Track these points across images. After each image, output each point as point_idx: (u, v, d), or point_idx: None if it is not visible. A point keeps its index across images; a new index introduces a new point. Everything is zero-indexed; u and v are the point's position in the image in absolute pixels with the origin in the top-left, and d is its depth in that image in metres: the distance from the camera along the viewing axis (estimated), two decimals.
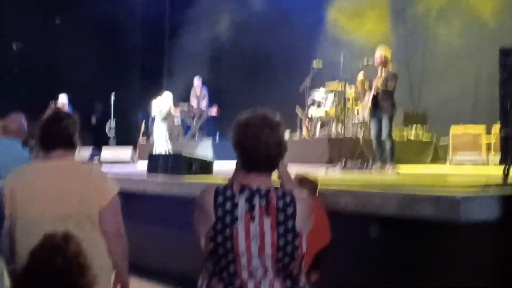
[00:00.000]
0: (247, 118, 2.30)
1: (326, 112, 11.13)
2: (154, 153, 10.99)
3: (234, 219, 2.21)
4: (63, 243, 2.06)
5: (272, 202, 2.24)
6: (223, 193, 2.25)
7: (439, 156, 10.90)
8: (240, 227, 2.20)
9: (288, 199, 2.26)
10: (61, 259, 2.01)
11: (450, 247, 4.33)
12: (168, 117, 12.07)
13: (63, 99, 13.76)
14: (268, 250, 2.19)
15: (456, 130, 10.40)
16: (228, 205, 2.22)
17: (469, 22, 11.69)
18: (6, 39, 15.55)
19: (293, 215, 2.23)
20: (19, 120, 4.88)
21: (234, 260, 2.20)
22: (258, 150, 2.24)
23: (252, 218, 2.21)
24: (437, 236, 4.38)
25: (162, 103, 11.89)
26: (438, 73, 12.26)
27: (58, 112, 3.16)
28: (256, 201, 2.23)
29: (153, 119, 12.41)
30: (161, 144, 11.60)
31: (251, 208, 2.22)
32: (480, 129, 10.19)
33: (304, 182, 4.43)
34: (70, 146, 3.06)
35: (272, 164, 2.31)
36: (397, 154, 8.89)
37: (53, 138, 3.01)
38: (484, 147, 9.97)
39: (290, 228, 2.21)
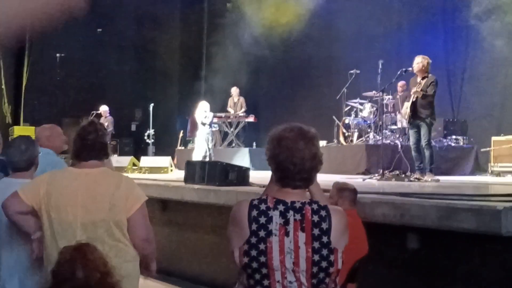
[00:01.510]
0: (282, 131, 2.28)
1: (364, 119, 11.03)
2: (194, 159, 11.16)
3: (269, 233, 2.19)
4: (80, 255, 2.07)
5: (307, 216, 2.21)
6: (257, 207, 2.24)
7: (479, 166, 10.66)
8: (275, 241, 2.18)
9: (323, 213, 2.23)
10: (82, 271, 2.01)
11: (490, 260, 4.23)
12: (209, 124, 12.24)
13: (104, 108, 14.07)
14: (303, 265, 2.17)
15: (498, 139, 10.17)
16: (263, 219, 2.21)
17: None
18: (50, 48, 15.94)
19: (328, 230, 2.20)
20: (51, 129, 4.69)
21: (268, 274, 2.18)
22: (293, 164, 2.22)
23: (287, 233, 2.19)
24: (478, 248, 4.28)
25: (203, 111, 12.09)
26: (480, 81, 11.99)
27: (93, 123, 3.22)
28: (291, 215, 2.21)
29: (192, 128, 12.58)
30: (202, 151, 11.76)
31: (285, 223, 2.20)
32: None
33: (344, 190, 4.42)
34: (103, 155, 3.15)
35: (307, 178, 2.27)
36: (436, 163, 8.74)
37: (88, 148, 3.09)
38: None
39: (325, 243, 2.19)
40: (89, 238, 2.91)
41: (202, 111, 12.13)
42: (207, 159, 11.46)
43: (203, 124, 12.06)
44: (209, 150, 11.91)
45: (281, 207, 2.23)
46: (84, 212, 2.95)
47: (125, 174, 3.20)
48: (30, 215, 3.07)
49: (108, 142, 3.26)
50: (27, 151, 3.54)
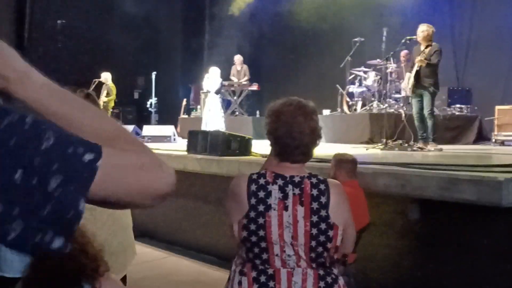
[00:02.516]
0: (280, 105, 2.27)
1: (368, 88, 10.97)
2: (205, 128, 11.18)
3: (268, 208, 2.20)
4: None
5: (306, 190, 2.22)
6: (256, 181, 2.24)
7: (483, 135, 10.63)
8: (273, 215, 2.19)
9: (322, 187, 2.24)
10: None
11: (491, 231, 4.25)
12: (219, 92, 12.23)
13: (106, 75, 14.01)
14: (301, 238, 2.19)
15: (502, 108, 10.13)
16: (262, 193, 2.22)
17: None
18: (50, 15, 15.81)
19: (327, 204, 2.22)
20: None
21: (267, 248, 2.20)
22: (292, 138, 2.22)
23: (286, 207, 2.20)
24: (478, 218, 4.30)
25: (212, 78, 12.04)
26: (485, 50, 11.87)
27: (88, 96, 3.20)
28: (290, 189, 2.22)
29: (196, 96, 12.52)
30: (215, 119, 11.76)
31: (284, 197, 2.21)
32: None
33: (342, 162, 4.41)
34: None
35: (305, 153, 2.28)
36: (440, 132, 8.72)
37: None
38: None
39: (323, 217, 2.20)
40: (87, 209, 2.95)
41: (216, 77, 12.08)
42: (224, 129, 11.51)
43: (217, 92, 12.03)
44: (222, 120, 11.93)
45: (280, 182, 2.23)
46: None
47: None
48: None
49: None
50: None
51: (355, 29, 12.15)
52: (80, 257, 2.02)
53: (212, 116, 11.89)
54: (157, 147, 8.70)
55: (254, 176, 2.26)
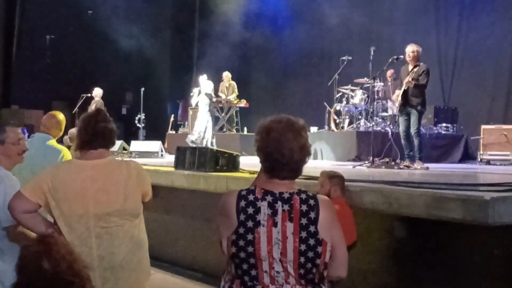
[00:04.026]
0: (270, 122, 2.28)
1: (355, 106, 11.05)
2: (193, 140, 11.20)
3: (257, 224, 2.20)
4: (44, 246, 2.04)
5: (295, 206, 2.23)
6: (245, 197, 2.25)
7: (469, 154, 10.72)
8: (262, 231, 2.19)
9: (312, 203, 2.25)
10: (48, 262, 1.99)
11: (477, 249, 4.27)
12: (211, 105, 12.24)
13: (97, 91, 13.97)
14: (290, 255, 2.18)
15: (487, 128, 10.24)
16: (251, 209, 2.22)
17: (504, 19, 11.45)
18: (40, 30, 15.80)
19: (316, 220, 2.22)
20: (55, 117, 4.91)
21: (256, 264, 2.19)
22: (281, 155, 2.22)
23: (275, 223, 2.20)
24: (464, 237, 4.32)
25: (204, 89, 12.08)
26: (471, 70, 12.03)
27: (101, 111, 3.22)
28: (279, 206, 2.22)
29: (184, 112, 12.55)
30: (202, 132, 11.79)
31: (273, 213, 2.21)
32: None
33: (335, 177, 4.44)
34: (112, 144, 3.15)
35: (295, 169, 2.28)
36: (426, 150, 8.78)
37: (98, 137, 3.06)
38: None
39: (312, 233, 2.20)
40: (102, 228, 2.94)
41: (210, 85, 12.13)
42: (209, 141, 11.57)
43: (209, 96, 12.09)
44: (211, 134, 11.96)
45: (269, 198, 2.24)
46: (96, 204, 2.96)
47: (131, 162, 3.22)
48: (37, 213, 3.02)
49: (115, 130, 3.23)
50: None
51: (343, 48, 12.26)
52: (68, 275, 2.01)
53: (199, 129, 11.87)
54: (144, 163, 8.67)
55: (244, 193, 2.27)
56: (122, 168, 3.07)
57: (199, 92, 12.44)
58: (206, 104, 12.18)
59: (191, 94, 12.49)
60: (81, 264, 2.08)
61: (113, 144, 3.17)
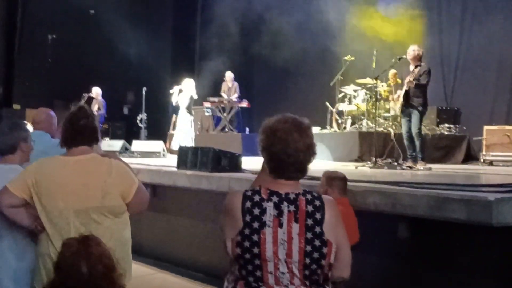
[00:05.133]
0: (275, 122, 2.26)
1: (357, 106, 11.03)
2: (182, 144, 11.04)
3: (262, 225, 2.18)
4: (84, 248, 2.04)
5: (301, 206, 2.21)
6: (251, 198, 2.23)
7: (471, 155, 10.70)
8: (268, 232, 2.18)
9: (317, 203, 2.24)
10: (86, 265, 1.99)
11: (481, 250, 4.25)
12: (191, 105, 11.97)
13: (96, 90, 13.99)
14: (295, 256, 2.17)
15: (490, 128, 10.22)
16: (256, 210, 2.20)
17: (507, 20, 11.42)
18: (41, 30, 15.79)
19: (321, 220, 2.20)
20: (46, 113, 4.94)
21: (261, 265, 2.18)
22: (287, 155, 2.21)
23: (280, 224, 2.19)
24: (468, 238, 4.30)
25: (186, 91, 11.78)
26: (473, 70, 12.00)
27: (83, 108, 3.21)
28: (285, 206, 2.21)
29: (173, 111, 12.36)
30: (184, 136, 11.56)
31: (279, 214, 2.20)
32: None
33: (333, 179, 4.41)
34: (93, 141, 3.15)
35: (301, 169, 2.26)
36: (429, 151, 8.76)
37: (78, 134, 3.09)
38: None
39: (317, 234, 2.19)
40: (82, 224, 2.94)
41: (190, 91, 11.82)
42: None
43: (188, 109, 11.79)
44: (191, 137, 11.75)
45: (275, 199, 2.22)
46: (76, 199, 2.97)
47: (114, 160, 3.19)
48: (23, 207, 3.05)
49: (99, 126, 3.26)
50: (10, 134, 3.50)
51: (346, 48, 12.23)
52: (103, 281, 2.00)
53: (182, 136, 11.63)
54: (146, 163, 8.67)
55: (249, 193, 2.25)
56: (103, 165, 3.06)
57: (180, 91, 12.18)
58: (186, 106, 11.91)
59: (171, 91, 12.26)
60: (118, 272, 2.07)
61: (96, 141, 3.16)
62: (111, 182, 3.00)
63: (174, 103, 12.20)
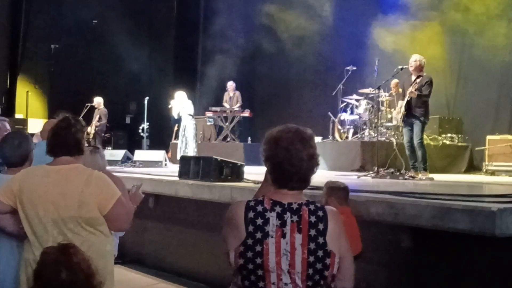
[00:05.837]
0: (279, 132, 2.25)
1: (359, 116, 11.02)
2: (182, 154, 11.01)
3: (265, 235, 2.18)
4: (64, 256, 2.04)
5: (304, 217, 2.20)
6: (254, 208, 2.22)
7: (474, 165, 10.67)
8: (271, 242, 2.17)
9: (320, 214, 2.22)
10: (66, 272, 1.99)
11: (484, 260, 4.23)
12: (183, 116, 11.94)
13: (98, 100, 14.02)
14: (298, 266, 2.16)
15: (493, 138, 10.19)
16: (259, 221, 2.19)
17: (510, 29, 11.43)
18: (44, 40, 15.86)
19: (324, 231, 2.19)
20: (49, 123, 5.00)
21: (264, 276, 2.16)
22: (291, 165, 2.20)
23: (283, 234, 2.18)
24: (471, 248, 4.28)
25: (181, 102, 11.76)
26: (476, 80, 11.99)
27: (67, 119, 3.19)
28: (288, 217, 2.20)
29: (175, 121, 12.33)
30: (190, 147, 11.58)
31: (282, 224, 2.19)
32: None
33: (334, 189, 4.40)
34: (77, 152, 3.14)
35: (304, 179, 2.26)
36: (431, 161, 8.73)
37: (60, 144, 3.09)
38: None
39: (321, 244, 2.18)
40: (60, 233, 2.93)
41: (185, 100, 11.79)
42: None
43: (191, 115, 11.83)
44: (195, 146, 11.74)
45: (278, 209, 2.21)
46: (54, 208, 2.96)
47: (97, 171, 3.18)
48: (10, 214, 3.08)
49: (84, 138, 3.20)
50: (20, 146, 3.56)
51: (348, 57, 12.25)
52: (85, 285, 1.99)
53: (187, 143, 11.62)
54: (148, 172, 8.66)
55: (252, 203, 2.24)
56: (83, 175, 3.03)
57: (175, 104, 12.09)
58: (192, 126, 11.87)
59: (169, 106, 12.25)
60: (98, 280, 2.07)
61: (80, 152, 3.14)
62: (89, 192, 2.96)
63: (176, 116, 12.20)
